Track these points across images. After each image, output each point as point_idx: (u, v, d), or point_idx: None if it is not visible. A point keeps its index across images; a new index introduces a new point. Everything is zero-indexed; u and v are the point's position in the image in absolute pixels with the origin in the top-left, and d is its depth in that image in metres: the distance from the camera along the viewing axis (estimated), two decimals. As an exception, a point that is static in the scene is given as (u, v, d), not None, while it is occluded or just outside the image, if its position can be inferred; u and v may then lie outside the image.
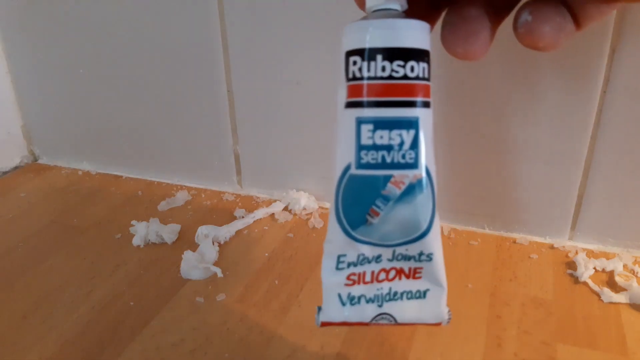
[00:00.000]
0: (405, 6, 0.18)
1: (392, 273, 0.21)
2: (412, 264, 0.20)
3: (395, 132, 0.18)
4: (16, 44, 0.47)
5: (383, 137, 0.18)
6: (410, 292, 0.21)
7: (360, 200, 0.19)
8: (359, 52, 0.18)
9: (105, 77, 0.45)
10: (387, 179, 0.18)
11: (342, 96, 0.18)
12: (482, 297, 0.32)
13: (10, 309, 0.32)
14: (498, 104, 0.34)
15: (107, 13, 0.42)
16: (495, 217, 0.38)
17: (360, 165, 0.18)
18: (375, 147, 0.18)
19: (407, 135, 0.18)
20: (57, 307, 0.32)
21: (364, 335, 0.29)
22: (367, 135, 0.18)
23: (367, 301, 0.21)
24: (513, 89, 0.34)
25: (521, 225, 0.38)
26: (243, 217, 0.41)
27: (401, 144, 0.18)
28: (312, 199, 0.43)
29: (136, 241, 0.38)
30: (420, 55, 0.18)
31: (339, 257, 0.20)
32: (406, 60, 0.17)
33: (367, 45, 0.17)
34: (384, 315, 0.21)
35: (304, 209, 0.42)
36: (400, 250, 0.20)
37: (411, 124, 0.18)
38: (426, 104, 0.18)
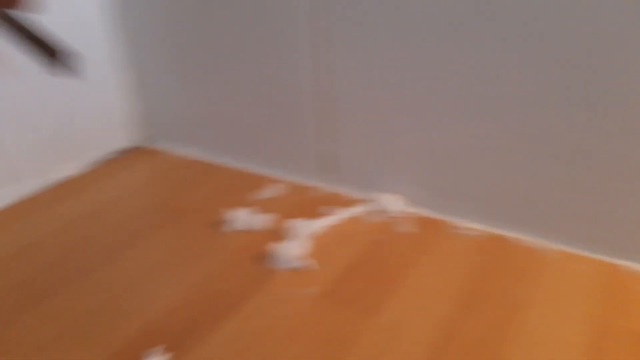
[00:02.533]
0: None
1: None
2: None
3: None
4: (140, 38, 0.51)
5: None
6: None
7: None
8: None
9: (219, 74, 0.48)
10: None
11: None
12: (583, 326, 0.30)
13: (121, 279, 0.35)
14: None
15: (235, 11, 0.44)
16: (605, 241, 0.35)
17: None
18: None
19: None
20: (160, 281, 0.34)
21: (457, 355, 0.28)
22: None
23: None
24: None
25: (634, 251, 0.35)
26: (336, 214, 0.41)
27: None
28: (404, 202, 0.42)
29: (230, 228, 0.39)
30: None
31: None
32: None
33: None
34: None
35: (395, 212, 0.41)
36: None
37: None
38: None
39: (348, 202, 0.43)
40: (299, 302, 0.32)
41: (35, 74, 0.41)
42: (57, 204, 0.44)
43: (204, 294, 0.33)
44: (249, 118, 0.48)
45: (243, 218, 0.40)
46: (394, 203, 0.41)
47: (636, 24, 0.29)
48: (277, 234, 0.39)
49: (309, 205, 0.43)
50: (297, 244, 0.36)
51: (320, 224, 0.40)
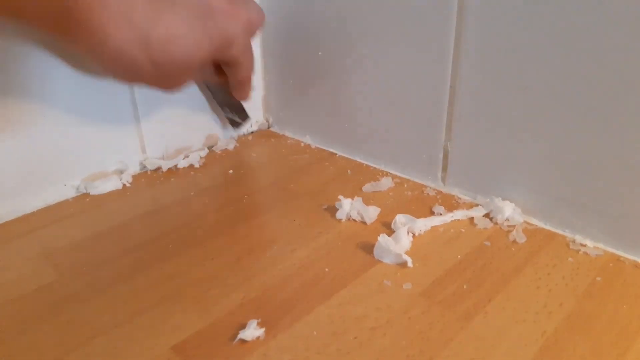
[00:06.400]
0: None
1: None
2: None
3: None
4: (269, 30, 0.54)
5: None
6: None
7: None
8: None
9: (336, 61, 0.49)
10: None
11: None
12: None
13: (230, 251, 0.37)
14: None
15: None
16: None
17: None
18: None
19: None
20: (265, 257, 0.36)
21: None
22: None
23: None
24: None
25: None
26: (441, 214, 0.41)
27: None
28: (517, 210, 0.40)
29: (339, 215, 0.41)
30: None
31: None
32: None
33: None
34: None
35: (507, 219, 0.40)
36: None
37: None
38: None
39: (459, 204, 0.43)
40: (397, 297, 0.32)
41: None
42: (182, 177, 0.49)
43: (304, 275, 0.35)
44: (368, 111, 0.49)
45: (354, 207, 0.41)
46: (507, 210, 0.40)
47: None
48: (384, 227, 0.40)
49: (420, 203, 0.43)
50: (402, 240, 0.37)
51: (428, 223, 0.39)
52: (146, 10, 0.32)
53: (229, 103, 0.53)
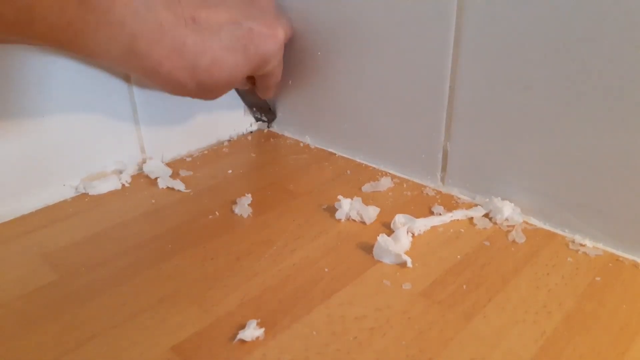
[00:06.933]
0: None
1: None
2: None
3: None
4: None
5: None
6: None
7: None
8: None
9: (335, 61, 0.49)
10: None
11: None
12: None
13: (229, 251, 0.37)
14: None
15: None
16: None
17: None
18: None
19: None
20: (264, 257, 0.36)
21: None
22: None
23: None
24: None
25: None
26: (440, 214, 0.41)
27: None
28: (517, 210, 0.40)
29: (339, 215, 0.41)
30: None
31: None
32: None
33: None
34: None
35: (507, 219, 0.40)
36: None
37: None
38: None
39: (459, 204, 0.43)
40: (396, 297, 0.32)
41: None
42: (181, 177, 0.49)
43: (304, 275, 0.35)
44: (367, 111, 0.49)
45: (353, 207, 0.41)
46: (506, 210, 0.40)
47: None
48: (384, 227, 0.40)
49: (420, 203, 0.43)
50: (402, 240, 0.37)
51: (427, 223, 0.39)
52: (196, 42, 0.37)
53: (256, 104, 0.57)
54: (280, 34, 0.43)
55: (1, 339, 0.30)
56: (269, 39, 0.42)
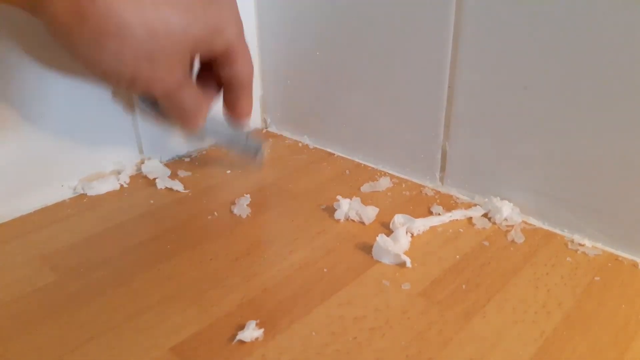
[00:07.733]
0: None
1: None
2: None
3: None
4: (266, 28, 0.54)
5: None
6: None
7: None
8: None
9: (334, 61, 0.49)
10: None
11: None
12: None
13: (228, 251, 0.37)
14: None
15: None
16: None
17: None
18: None
19: None
20: (263, 257, 0.36)
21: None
22: None
23: None
24: None
25: None
26: (439, 214, 0.41)
27: None
28: (516, 210, 0.40)
29: (338, 215, 0.41)
30: None
31: None
32: None
33: None
34: None
35: (506, 219, 0.40)
36: None
37: None
38: None
39: (458, 204, 0.43)
40: (396, 297, 0.32)
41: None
42: (180, 178, 0.49)
43: (303, 275, 0.34)
44: (366, 111, 0.49)
45: (352, 207, 0.41)
46: (505, 209, 0.40)
47: None
48: (383, 228, 0.40)
49: (419, 203, 0.43)
50: (401, 240, 0.37)
51: (426, 223, 0.39)
52: None
53: (237, 144, 0.47)
54: (234, 7, 0.37)
55: (0, 339, 0.30)
56: (224, 9, 0.35)
